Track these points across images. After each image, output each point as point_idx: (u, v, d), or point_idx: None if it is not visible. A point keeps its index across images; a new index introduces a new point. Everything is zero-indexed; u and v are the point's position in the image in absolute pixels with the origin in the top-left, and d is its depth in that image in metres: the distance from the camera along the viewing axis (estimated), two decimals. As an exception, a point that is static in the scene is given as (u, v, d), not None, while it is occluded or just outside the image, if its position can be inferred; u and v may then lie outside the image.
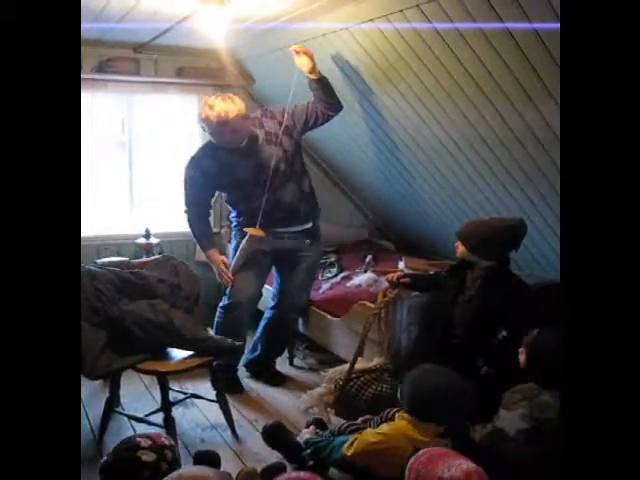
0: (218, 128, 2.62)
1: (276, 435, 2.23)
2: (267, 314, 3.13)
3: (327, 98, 2.77)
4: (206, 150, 2.81)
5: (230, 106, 2.58)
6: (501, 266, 2.23)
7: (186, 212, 2.88)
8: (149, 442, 1.66)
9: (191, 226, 2.90)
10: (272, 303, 3.12)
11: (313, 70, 2.68)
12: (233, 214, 2.97)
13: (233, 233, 3.03)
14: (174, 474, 1.52)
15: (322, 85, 2.74)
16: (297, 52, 2.67)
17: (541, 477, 1.70)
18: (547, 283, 2.52)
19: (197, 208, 2.86)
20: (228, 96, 2.64)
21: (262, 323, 3.14)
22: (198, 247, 3.85)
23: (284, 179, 2.79)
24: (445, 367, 1.91)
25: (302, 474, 1.59)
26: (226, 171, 2.75)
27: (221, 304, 2.99)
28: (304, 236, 2.92)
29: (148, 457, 1.61)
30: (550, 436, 1.71)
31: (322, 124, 2.88)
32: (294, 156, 2.84)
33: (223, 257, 2.91)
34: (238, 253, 2.87)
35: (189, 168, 2.81)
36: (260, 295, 3.09)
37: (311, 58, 2.67)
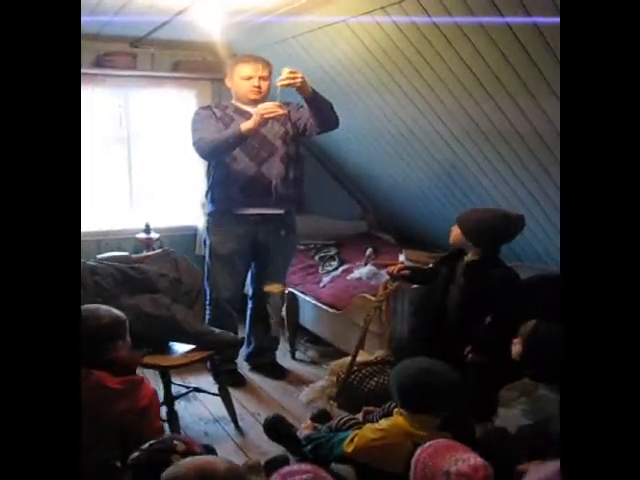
0: (249, 73, 2.72)
1: (277, 428, 2.25)
2: (249, 304, 3.15)
3: (317, 116, 2.69)
4: (217, 104, 2.97)
5: (264, 61, 2.76)
6: (490, 254, 2.25)
7: (195, 145, 2.74)
8: (184, 447, 1.63)
9: (209, 147, 2.69)
10: (250, 291, 3.12)
11: (301, 90, 2.53)
12: (208, 187, 2.90)
13: (206, 227, 2.99)
14: (180, 464, 1.51)
15: (313, 104, 2.63)
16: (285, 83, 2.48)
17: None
18: (543, 275, 2.54)
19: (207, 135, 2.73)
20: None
21: (247, 315, 3.15)
22: (198, 241, 3.88)
23: (275, 157, 2.79)
24: (435, 357, 1.91)
25: (304, 466, 1.59)
26: (228, 124, 2.76)
27: (207, 301, 3.00)
28: (279, 226, 2.89)
29: None
30: (554, 431, 1.71)
31: (310, 136, 2.88)
32: (292, 142, 2.85)
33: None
34: (214, 256, 2.91)
35: (199, 109, 2.90)
36: (243, 286, 3.08)
37: (298, 82, 2.47)
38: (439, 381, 1.81)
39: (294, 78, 2.43)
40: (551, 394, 1.80)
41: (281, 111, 2.52)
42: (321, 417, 2.29)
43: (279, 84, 2.46)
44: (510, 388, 1.94)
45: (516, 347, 1.98)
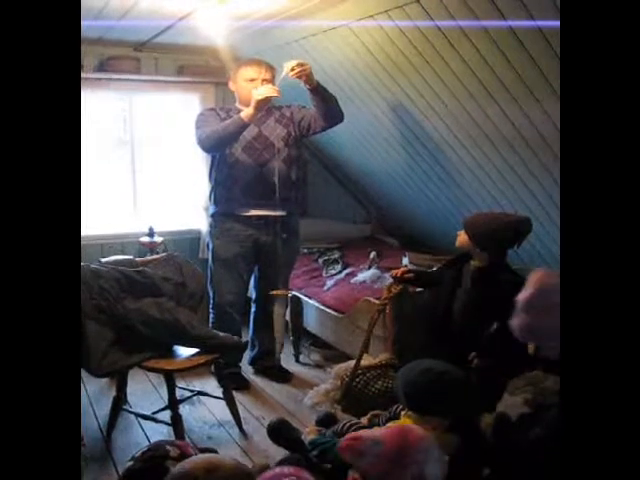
0: (253, 75, 2.74)
1: (281, 432, 2.24)
2: (252, 308, 3.15)
3: (322, 109, 2.71)
4: (221, 107, 3.01)
5: (267, 64, 2.78)
6: (497, 259, 2.24)
7: (198, 139, 2.76)
8: (177, 451, 1.61)
9: (211, 138, 2.70)
10: (254, 294, 3.13)
11: (307, 80, 2.58)
12: (211, 188, 2.92)
13: (209, 231, 3.00)
14: (188, 461, 1.50)
15: (318, 96, 2.66)
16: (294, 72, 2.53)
17: (543, 462, 1.70)
18: None
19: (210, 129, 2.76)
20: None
21: (251, 318, 3.16)
22: (202, 245, 3.88)
23: (277, 158, 2.81)
24: (442, 360, 1.92)
25: (286, 469, 1.58)
26: None
27: (211, 305, 3.00)
28: (281, 228, 2.90)
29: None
30: (552, 421, 1.72)
31: (315, 133, 2.89)
32: (294, 144, 2.87)
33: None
34: (217, 260, 2.92)
35: (203, 110, 2.95)
36: (246, 290, 3.08)
37: (304, 72, 2.52)
38: (445, 380, 1.81)
39: (303, 66, 2.50)
40: (557, 386, 1.81)
41: (275, 93, 2.56)
42: (327, 421, 2.28)
43: (291, 75, 2.51)
44: (520, 377, 1.94)
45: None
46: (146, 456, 1.62)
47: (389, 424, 1.91)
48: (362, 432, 1.63)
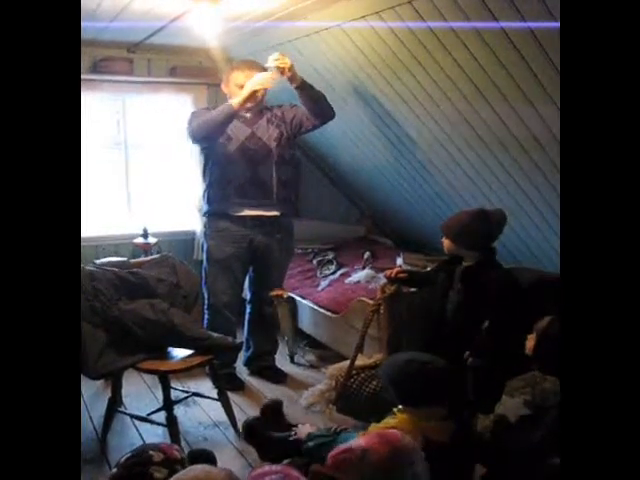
0: (244, 81, 2.71)
1: (255, 431, 2.23)
2: (247, 309, 3.16)
3: (310, 106, 2.73)
4: (214, 107, 2.96)
5: (259, 66, 2.73)
6: (485, 257, 2.26)
7: (188, 130, 2.77)
8: (161, 456, 1.59)
9: (201, 128, 2.70)
10: (249, 295, 3.13)
11: (290, 76, 2.59)
12: (205, 188, 2.93)
13: (204, 232, 3.00)
14: (180, 476, 1.49)
15: (304, 93, 2.68)
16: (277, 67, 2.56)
17: (542, 463, 1.71)
18: (540, 278, 2.55)
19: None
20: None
21: (246, 319, 3.16)
22: (197, 246, 3.88)
23: (269, 158, 2.81)
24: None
25: (274, 467, 1.58)
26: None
27: (206, 305, 3.00)
28: (275, 228, 2.91)
29: (160, 474, 1.54)
30: (552, 422, 1.73)
31: (307, 131, 2.89)
32: (287, 144, 2.88)
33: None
34: (212, 261, 2.92)
35: (196, 110, 2.96)
36: (241, 291, 3.09)
37: (287, 64, 2.55)
38: (429, 368, 1.83)
39: (282, 60, 2.51)
40: (556, 387, 1.82)
41: (270, 82, 2.58)
42: (272, 407, 2.27)
43: (272, 66, 2.52)
44: (518, 378, 1.96)
45: (530, 342, 1.98)
46: (129, 462, 1.60)
47: (387, 419, 1.90)
48: (349, 444, 1.58)
